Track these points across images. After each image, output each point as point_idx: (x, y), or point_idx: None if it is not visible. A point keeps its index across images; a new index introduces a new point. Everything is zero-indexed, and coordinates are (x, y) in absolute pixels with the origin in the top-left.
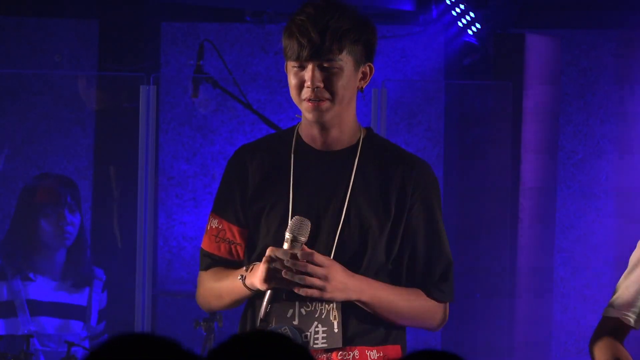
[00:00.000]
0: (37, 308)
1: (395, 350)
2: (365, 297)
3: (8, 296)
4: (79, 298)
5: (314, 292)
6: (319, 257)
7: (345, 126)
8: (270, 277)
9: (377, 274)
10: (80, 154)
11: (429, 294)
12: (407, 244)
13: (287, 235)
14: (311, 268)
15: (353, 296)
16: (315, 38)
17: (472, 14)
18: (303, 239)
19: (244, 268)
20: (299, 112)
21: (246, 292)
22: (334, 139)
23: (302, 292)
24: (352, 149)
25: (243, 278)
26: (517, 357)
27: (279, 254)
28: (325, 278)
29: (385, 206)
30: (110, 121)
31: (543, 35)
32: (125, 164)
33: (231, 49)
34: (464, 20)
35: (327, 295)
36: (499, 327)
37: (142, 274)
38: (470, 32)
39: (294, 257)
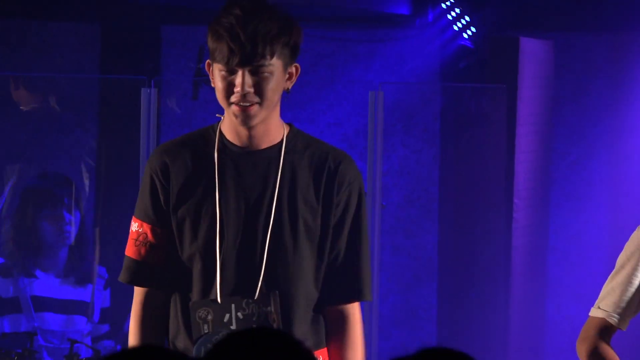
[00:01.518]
0: (42, 304)
1: (324, 352)
2: None
3: (14, 293)
4: (82, 294)
5: None
6: None
7: (271, 125)
8: None
9: (307, 271)
10: (83, 154)
11: (356, 295)
12: (333, 241)
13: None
14: None
15: None
16: (246, 44)
17: (467, 18)
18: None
19: None
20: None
21: None
22: (259, 138)
23: None
24: (277, 147)
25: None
26: (512, 356)
27: None
28: None
29: (313, 201)
30: (112, 123)
31: (537, 38)
32: (127, 165)
33: None
34: (459, 24)
35: None
36: (494, 326)
37: None
38: (465, 35)
39: None
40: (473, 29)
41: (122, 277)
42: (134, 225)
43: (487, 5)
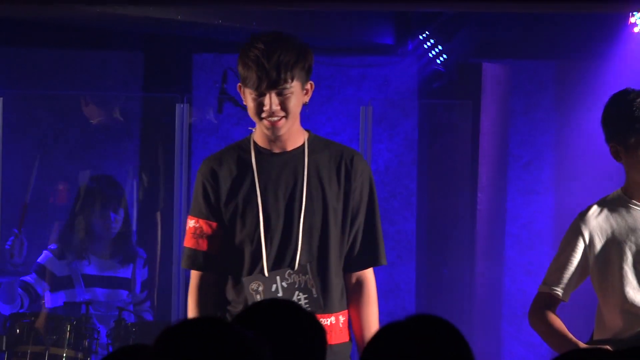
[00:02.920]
0: (91, 281)
1: (345, 313)
2: None
3: (67, 272)
4: (124, 272)
5: None
6: None
7: (293, 131)
8: None
9: (334, 245)
10: (129, 158)
11: (370, 262)
12: (352, 219)
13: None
14: None
15: None
16: (271, 72)
17: (439, 47)
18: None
19: None
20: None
21: None
22: (285, 142)
23: None
24: (301, 148)
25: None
26: (476, 318)
27: None
28: None
29: (335, 189)
30: (152, 133)
31: (496, 64)
32: (165, 167)
33: None
34: (433, 52)
35: None
36: (461, 297)
37: (178, 253)
38: (438, 61)
39: None
40: (444, 56)
41: (183, 263)
42: (191, 222)
43: (455, 37)
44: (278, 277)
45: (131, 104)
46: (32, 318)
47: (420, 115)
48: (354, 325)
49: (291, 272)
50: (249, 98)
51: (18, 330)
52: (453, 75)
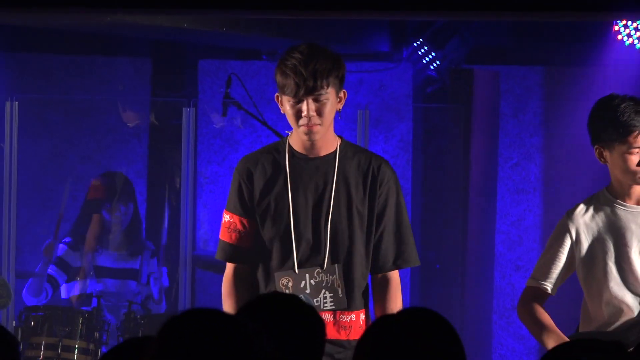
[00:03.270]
0: (102, 272)
1: (363, 312)
2: None
3: (80, 263)
4: (133, 263)
5: None
6: None
7: (328, 137)
8: None
9: (359, 247)
10: (138, 159)
11: (400, 263)
12: (377, 223)
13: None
14: None
15: None
16: (309, 79)
17: (433, 54)
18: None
19: None
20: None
21: None
22: (319, 147)
23: None
24: (333, 154)
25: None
26: (467, 311)
27: None
28: None
29: (361, 194)
30: (160, 134)
31: (486, 69)
32: (172, 167)
33: (251, 79)
34: (427, 59)
35: None
36: (454, 290)
37: (184, 248)
38: (431, 67)
39: None
40: (437, 62)
41: (218, 255)
42: (226, 217)
43: (448, 44)
44: (307, 275)
45: (140, 108)
46: (46, 311)
47: (414, 119)
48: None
49: (320, 271)
50: (287, 105)
51: (32, 323)
52: (446, 80)
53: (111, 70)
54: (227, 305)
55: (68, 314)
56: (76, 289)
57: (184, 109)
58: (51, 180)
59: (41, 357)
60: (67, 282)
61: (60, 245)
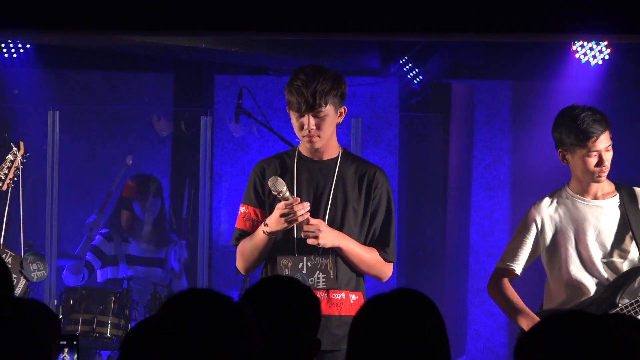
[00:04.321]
0: (132, 260)
1: (360, 294)
2: (342, 245)
3: (114, 252)
4: (159, 253)
5: (313, 241)
6: (311, 219)
7: (329, 145)
8: (281, 219)
9: (353, 238)
10: (162, 161)
11: (380, 255)
12: (370, 221)
13: (274, 194)
14: (306, 227)
15: (336, 242)
16: (309, 98)
17: (416, 70)
18: (283, 188)
19: (263, 224)
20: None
21: (266, 238)
22: (322, 153)
23: (309, 241)
24: (335, 159)
25: (265, 225)
26: (446, 292)
27: (281, 205)
28: (317, 230)
29: (357, 195)
30: (182, 139)
31: (462, 83)
32: (192, 167)
33: (260, 92)
34: (411, 74)
35: (321, 241)
36: (435, 273)
37: (202, 237)
38: (415, 81)
39: (289, 205)
40: (420, 77)
41: (233, 242)
42: (242, 209)
43: (429, 61)
44: (305, 258)
45: (164, 116)
46: (83, 291)
47: (400, 126)
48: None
49: (316, 255)
50: (293, 118)
51: (71, 301)
52: (427, 92)
53: (139, 84)
54: (240, 261)
55: (102, 294)
56: (109, 274)
57: (201, 117)
58: (87, 178)
59: (79, 331)
60: (101, 268)
61: (97, 236)
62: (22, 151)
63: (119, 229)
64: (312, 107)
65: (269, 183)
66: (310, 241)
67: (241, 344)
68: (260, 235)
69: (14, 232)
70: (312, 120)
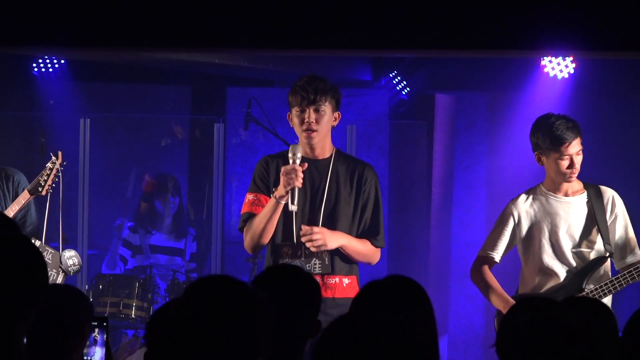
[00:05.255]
0: (155, 249)
1: (354, 278)
2: (344, 243)
3: (139, 242)
4: (179, 244)
5: (320, 247)
6: (315, 229)
7: (325, 145)
8: (287, 183)
9: (344, 229)
10: (181, 162)
11: (372, 243)
12: (362, 212)
13: (289, 155)
14: (311, 237)
15: (338, 243)
16: (310, 93)
17: (404, 82)
18: (298, 153)
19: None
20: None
21: (274, 202)
22: (318, 152)
23: (313, 249)
24: (329, 158)
25: (274, 194)
26: (430, 278)
27: (289, 167)
28: (322, 237)
29: (349, 189)
30: (198, 143)
31: (445, 94)
32: (206, 168)
33: (267, 102)
34: (400, 86)
35: (328, 246)
36: (420, 261)
37: (216, 230)
38: (403, 93)
39: (292, 168)
40: (408, 89)
41: (241, 225)
42: (250, 196)
43: (416, 75)
44: (303, 246)
45: (182, 123)
46: (110, 278)
47: (390, 132)
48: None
49: None
50: (294, 116)
51: (101, 286)
52: (414, 102)
53: (160, 95)
54: (248, 238)
55: (127, 280)
56: (136, 262)
57: (215, 124)
58: (115, 178)
59: (107, 312)
60: (132, 257)
61: (125, 229)
62: (60, 160)
63: (142, 221)
64: (313, 102)
65: (290, 146)
66: (315, 249)
67: (256, 323)
68: (270, 202)
69: (53, 229)
70: (313, 115)
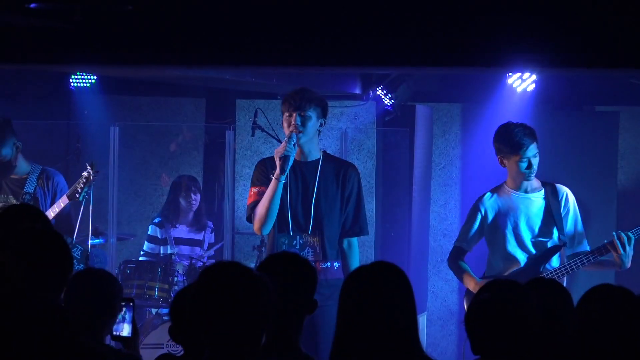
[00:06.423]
0: (178, 241)
1: (337, 262)
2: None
3: (165, 235)
4: (199, 236)
5: None
6: None
7: (313, 149)
8: (278, 154)
9: (334, 221)
10: (197, 164)
11: (356, 233)
12: (346, 205)
13: (286, 139)
14: None
15: None
16: (298, 101)
17: (389, 95)
18: (293, 135)
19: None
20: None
21: (276, 182)
22: (307, 155)
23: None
24: (318, 160)
25: (274, 174)
26: (411, 264)
27: (282, 144)
28: None
29: (335, 187)
30: (211, 148)
31: (424, 105)
32: (219, 169)
33: (271, 112)
34: (385, 98)
35: None
36: (402, 249)
37: (227, 222)
38: (388, 103)
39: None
40: (392, 101)
41: (248, 212)
42: (254, 189)
43: (399, 88)
44: (298, 236)
45: (197, 131)
46: (136, 264)
47: (377, 138)
48: (344, 270)
49: (306, 234)
50: (284, 120)
51: (128, 271)
52: (397, 112)
53: (179, 106)
54: (256, 221)
55: (151, 265)
56: (162, 251)
57: (226, 131)
58: (140, 178)
59: (134, 293)
60: (154, 249)
61: (152, 226)
62: (94, 169)
63: (168, 217)
64: (298, 107)
65: (292, 131)
66: None
67: (261, 302)
68: (271, 183)
69: (85, 225)
70: (299, 118)
